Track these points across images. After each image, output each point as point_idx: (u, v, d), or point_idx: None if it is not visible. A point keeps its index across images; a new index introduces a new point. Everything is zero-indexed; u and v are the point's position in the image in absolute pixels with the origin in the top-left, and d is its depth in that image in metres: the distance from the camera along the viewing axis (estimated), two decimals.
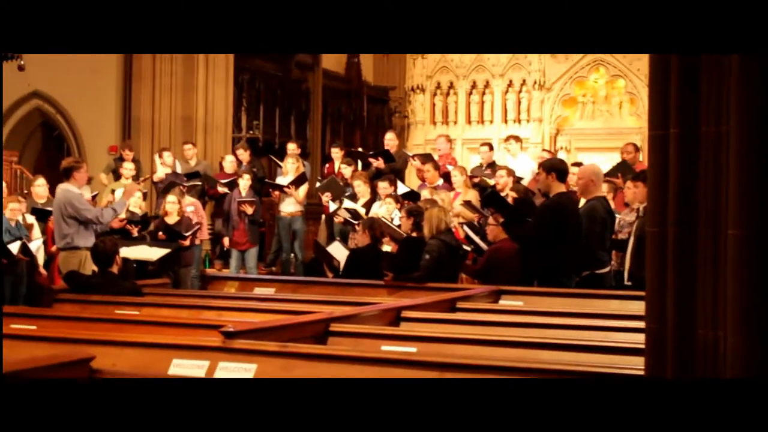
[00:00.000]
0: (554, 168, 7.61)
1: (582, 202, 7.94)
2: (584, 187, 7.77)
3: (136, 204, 10.58)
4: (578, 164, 10.67)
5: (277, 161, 12.64)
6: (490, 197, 8.49)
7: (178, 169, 12.29)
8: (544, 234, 7.31)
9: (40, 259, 10.13)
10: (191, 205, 11.01)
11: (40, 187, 10.80)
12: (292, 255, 11.75)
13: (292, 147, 12.69)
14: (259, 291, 7.62)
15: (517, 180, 10.61)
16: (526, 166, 11.75)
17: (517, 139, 12.78)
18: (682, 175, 2.71)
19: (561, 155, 14.64)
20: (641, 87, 15.79)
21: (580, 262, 7.42)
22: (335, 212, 11.03)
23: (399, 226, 8.64)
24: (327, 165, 13.34)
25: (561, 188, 7.57)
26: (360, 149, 14.05)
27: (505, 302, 6.89)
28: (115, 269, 6.88)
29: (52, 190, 10.78)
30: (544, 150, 13.75)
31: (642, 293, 3.28)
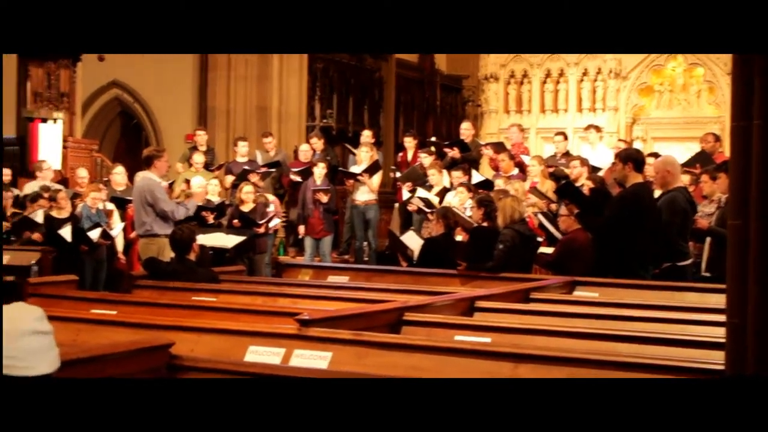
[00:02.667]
0: (630, 158, 7.50)
1: (658, 193, 7.82)
2: (661, 180, 7.64)
3: (214, 192, 10.74)
4: (654, 155, 10.51)
5: (351, 149, 12.68)
6: (564, 188, 8.40)
7: (259, 159, 12.42)
8: (620, 225, 7.21)
9: (120, 245, 10.35)
10: (271, 204, 11.13)
11: (119, 174, 11.02)
12: (366, 243, 11.79)
13: (367, 134, 12.73)
14: (333, 279, 7.66)
15: (594, 170, 10.48)
16: (603, 156, 11.59)
17: (597, 128, 12.61)
18: (766, 168, 2.65)
19: (637, 145, 14.42)
20: (720, 75, 15.47)
21: (660, 253, 7.31)
22: (409, 201, 11.04)
23: (471, 216, 8.62)
24: (400, 154, 13.35)
25: (638, 178, 7.45)
26: (434, 138, 14.03)
27: (579, 293, 6.82)
28: (192, 256, 6.98)
29: (130, 178, 11.01)
30: (620, 140, 13.55)
31: (720, 286, 3.22)
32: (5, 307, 2.44)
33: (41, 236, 9.40)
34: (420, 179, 11.34)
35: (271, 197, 11.24)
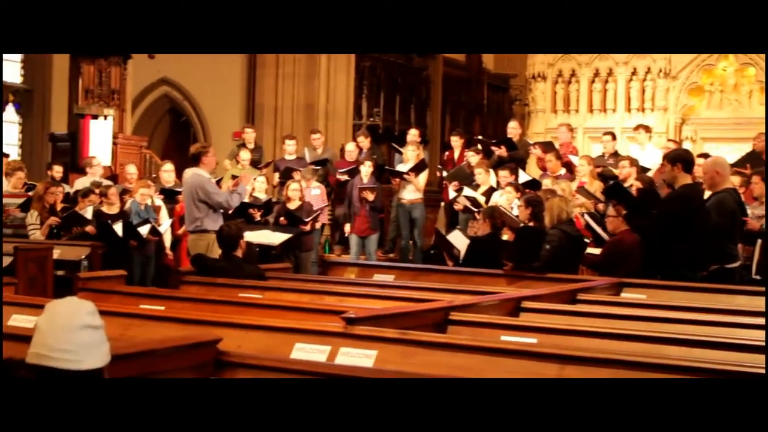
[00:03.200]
0: (679, 159, 7.42)
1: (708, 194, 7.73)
2: (710, 181, 7.56)
3: (261, 189, 10.81)
4: (704, 155, 10.39)
5: (398, 148, 12.68)
6: (612, 189, 8.34)
7: (307, 157, 12.47)
8: (668, 226, 7.14)
9: (167, 241, 10.45)
10: (317, 188, 11.20)
11: (167, 172, 11.12)
12: (411, 242, 11.78)
13: (413, 133, 12.72)
14: (379, 277, 7.67)
15: (643, 170, 10.38)
16: (652, 157, 11.48)
17: (647, 129, 12.47)
18: None
19: (686, 145, 14.27)
20: None
21: (708, 255, 7.22)
22: (455, 200, 11.02)
23: (518, 216, 8.59)
24: (446, 153, 13.33)
25: (687, 179, 7.38)
26: (480, 137, 13.99)
27: (627, 295, 6.76)
28: (239, 253, 7.03)
29: (178, 175, 11.12)
30: (669, 140, 13.41)
31: None
32: (57, 302, 2.48)
33: (94, 229, 9.52)
34: (466, 178, 11.32)
35: (316, 183, 11.30)
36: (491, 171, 11.20)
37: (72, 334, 2.39)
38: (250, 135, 12.71)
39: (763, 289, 6.39)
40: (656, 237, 7.31)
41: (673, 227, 7.11)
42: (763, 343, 4.19)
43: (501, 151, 11.69)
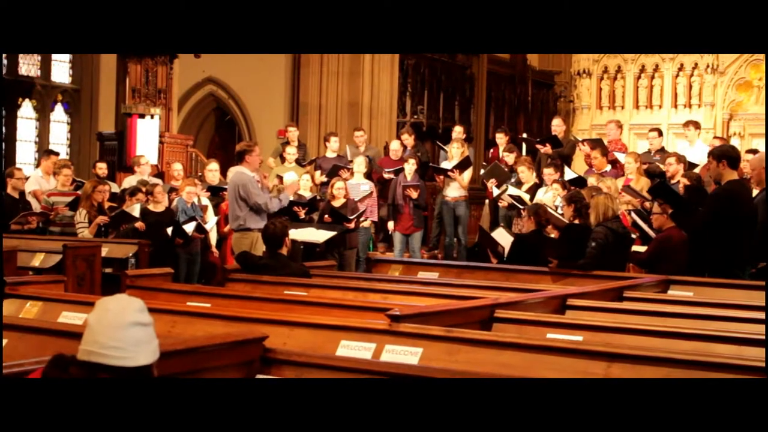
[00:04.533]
0: (725, 155, 7.33)
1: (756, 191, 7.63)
2: (758, 177, 7.47)
3: (306, 187, 10.85)
4: (753, 151, 10.25)
5: (442, 146, 12.66)
6: (658, 188, 8.25)
7: (348, 155, 12.50)
8: (715, 223, 7.05)
9: (213, 239, 10.53)
10: (366, 184, 11.22)
11: (212, 171, 11.19)
12: (455, 240, 11.76)
13: (458, 130, 12.68)
14: (423, 275, 7.67)
15: (691, 167, 10.26)
16: (701, 153, 11.34)
17: (697, 125, 12.30)
18: None
19: (734, 141, 14.10)
20: None
21: (757, 252, 7.13)
22: (499, 197, 10.98)
23: (562, 213, 8.53)
24: (491, 150, 13.28)
25: (733, 176, 7.28)
26: (525, 134, 13.93)
27: (674, 292, 6.69)
28: (284, 251, 7.06)
29: (223, 173, 11.20)
30: (715, 137, 13.24)
31: None
32: (107, 299, 2.51)
33: (143, 225, 9.64)
34: (503, 176, 11.27)
35: (363, 180, 11.31)
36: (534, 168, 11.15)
37: (122, 331, 2.41)
38: (293, 133, 12.75)
39: None
40: (703, 234, 7.23)
41: (720, 224, 7.02)
42: None
43: (546, 149, 11.63)
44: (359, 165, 11.45)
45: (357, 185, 11.17)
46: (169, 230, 9.64)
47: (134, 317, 2.45)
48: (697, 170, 10.15)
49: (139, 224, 9.64)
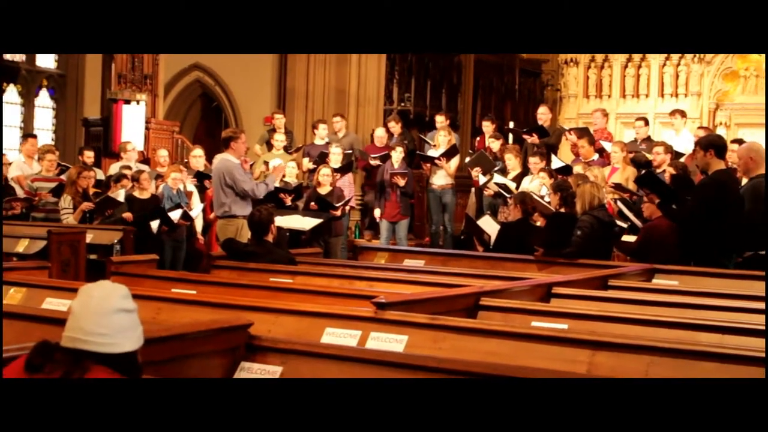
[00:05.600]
0: (712, 145, 7.35)
1: (744, 181, 7.66)
2: (744, 167, 7.50)
3: (292, 174, 10.82)
4: (739, 141, 10.28)
5: (425, 138, 12.60)
6: (644, 178, 8.27)
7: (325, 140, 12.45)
8: (702, 213, 7.08)
9: (199, 226, 10.51)
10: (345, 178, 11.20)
11: (196, 158, 11.16)
12: (442, 228, 11.77)
13: (440, 119, 12.64)
14: (409, 263, 7.67)
15: (677, 156, 10.29)
16: (687, 143, 11.38)
17: (683, 114, 12.33)
18: None
19: (720, 131, 14.14)
20: None
21: (743, 242, 7.15)
22: (485, 185, 10.99)
23: (549, 202, 8.55)
24: (478, 138, 13.28)
25: (720, 165, 7.31)
26: (512, 123, 13.93)
27: (659, 281, 6.72)
28: (270, 238, 7.04)
29: (210, 159, 11.17)
30: (699, 127, 13.26)
31: None
32: (91, 286, 2.50)
33: (131, 216, 9.60)
34: (489, 164, 11.27)
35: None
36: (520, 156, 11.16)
37: (106, 317, 2.41)
38: (280, 120, 12.72)
39: None
40: (690, 223, 7.25)
41: (707, 213, 7.05)
42: None
43: (533, 139, 11.63)
44: (335, 154, 11.39)
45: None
46: (154, 224, 9.58)
47: (119, 304, 2.44)
48: (682, 159, 10.18)
49: (126, 215, 9.59)
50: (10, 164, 10.81)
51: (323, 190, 10.52)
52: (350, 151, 11.99)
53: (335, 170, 10.98)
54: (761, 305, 5.26)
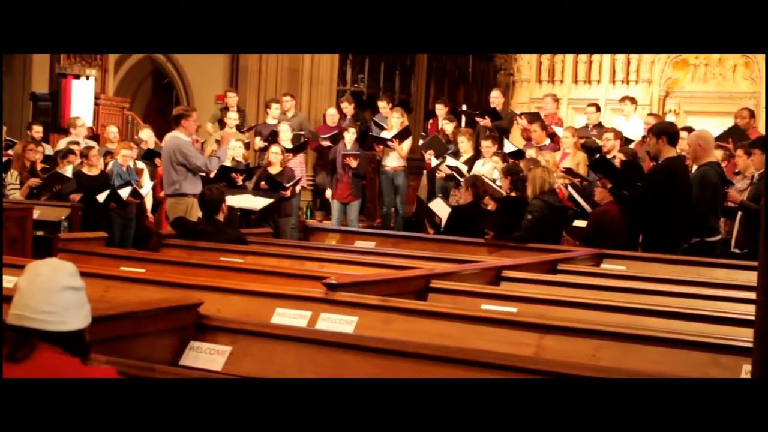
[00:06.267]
0: (664, 132, 7.44)
1: (694, 168, 7.77)
2: (693, 154, 7.61)
3: (239, 154, 10.75)
4: (688, 128, 10.41)
5: (378, 121, 12.56)
6: (598, 163, 8.35)
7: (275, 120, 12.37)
8: (653, 199, 7.17)
9: (149, 204, 10.41)
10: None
11: (145, 137, 11.03)
12: (393, 209, 11.79)
13: (382, 104, 12.55)
14: (360, 244, 7.68)
15: (627, 142, 10.40)
16: (637, 129, 11.50)
17: (633, 100, 12.47)
18: None
19: (669, 118, 14.29)
20: None
21: (690, 228, 7.26)
22: (437, 168, 11.01)
23: (500, 186, 8.60)
24: (431, 121, 13.29)
25: (671, 152, 7.40)
26: (464, 106, 13.95)
27: (607, 266, 6.80)
28: (221, 217, 7.00)
29: (159, 137, 11.06)
30: (650, 114, 13.40)
31: (750, 263, 3.18)
32: (38, 263, 2.46)
33: (77, 197, 9.46)
34: (441, 147, 11.29)
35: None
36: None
37: (54, 295, 2.38)
38: (232, 99, 12.62)
39: (741, 262, 6.45)
40: (641, 209, 7.34)
41: (658, 200, 7.14)
42: (743, 316, 4.22)
43: (485, 122, 11.67)
44: (285, 132, 11.35)
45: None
46: (101, 196, 9.47)
47: (66, 281, 2.42)
48: (633, 146, 10.29)
49: (73, 196, 9.46)
50: None
51: (274, 170, 10.47)
52: (302, 132, 11.95)
53: (287, 150, 10.94)
54: (707, 291, 5.36)
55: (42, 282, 2.40)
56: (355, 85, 15.35)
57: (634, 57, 16.44)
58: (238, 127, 12.09)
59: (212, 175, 9.40)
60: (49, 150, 11.05)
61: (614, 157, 9.21)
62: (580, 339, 3.82)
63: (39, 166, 9.92)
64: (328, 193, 11.62)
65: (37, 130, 11.44)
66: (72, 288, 2.42)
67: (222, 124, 12.23)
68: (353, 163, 11.21)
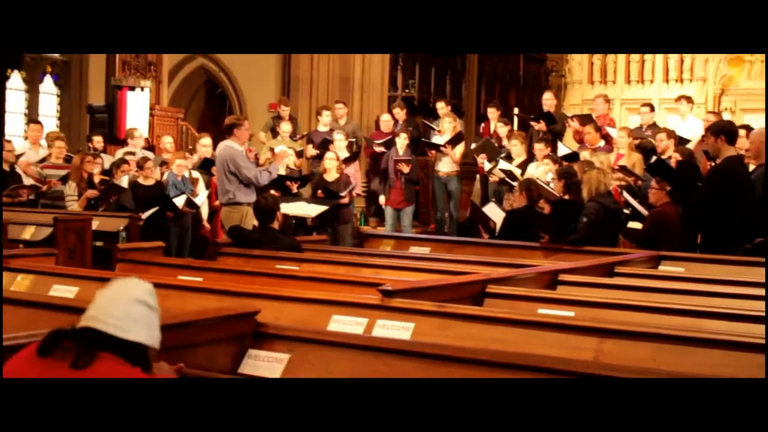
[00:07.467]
0: (723, 131, 7.32)
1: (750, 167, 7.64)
2: (756, 152, 7.46)
3: (292, 162, 10.80)
4: (745, 127, 10.25)
5: (429, 124, 12.58)
6: (655, 166, 8.24)
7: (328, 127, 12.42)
8: (715, 200, 7.05)
9: (204, 212, 10.50)
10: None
11: (205, 147, 11.12)
12: (447, 215, 11.76)
13: (440, 105, 12.60)
14: (415, 250, 7.67)
15: (683, 142, 10.26)
16: (693, 128, 11.33)
17: (689, 99, 12.28)
18: None
19: (725, 116, 14.09)
20: None
21: (753, 228, 7.13)
22: (490, 172, 10.97)
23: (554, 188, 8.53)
24: (482, 125, 13.25)
25: (731, 151, 7.28)
26: (516, 109, 13.90)
27: (665, 268, 6.71)
28: (276, 225, 7.05)
29: (214, 147, 11.14)
30: (708, 112, 13.22)
31: None
32: (121, 278, 2.56)
33: (132, 202, 9.60)
34: (494, 151, 11.25)
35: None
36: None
37: (125, 304, 2.46)
38: (285, 111, 12.66)
39: None
40: (701, 210, 7.22)
41: (718, 200, 7.02)
42: None
43: (540, 126, 11.59)
44: (339, 141, 11.37)
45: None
46: (147, 213, 9.57)
47: (141, 296, 2.50)
48: (690, 146, 10.15)
49: (128, 202, 9.59)
50: (18, 154, 10.75)
51: (330, 177, 10.50)
52: (353, 139, 11.98)
53: (344, 160, 10.97)
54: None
55: (117, 290, 2.49)
56: (406, 91, 15.37)
57: (687, 55, 16.24)
58: (291, 136, 12.16)
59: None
60: (107, 161, 11.21)
61: (669, 157, 9.10)
62: (640, 342, 3.77)
63: (97, 178, 10.06)
64: (382, 199, 11.63)
65: (98, 141, 11.62)
66: (145, 304, 2.50)
67: (275, 133, 12.31)
68: (405, 169, 11.21)
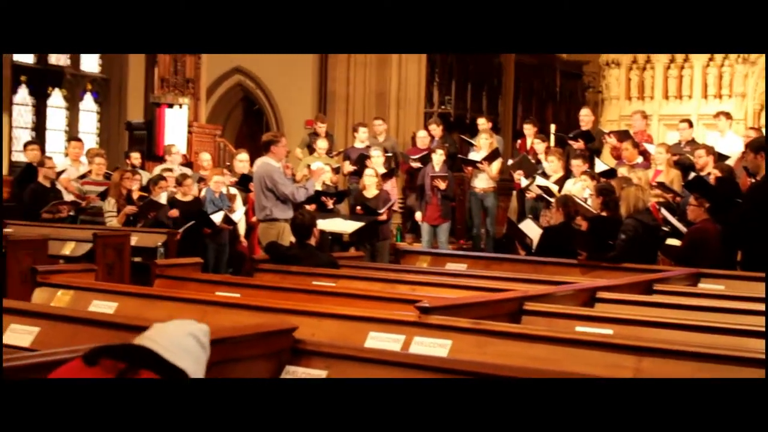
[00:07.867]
0: (763, 147, 7.24)
1: None
2: None
3: (328, 178, 10.84)
4: None
5: (468, 139, 12.59)
6: (694, 182, 8.17)
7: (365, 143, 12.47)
8: (756, 216, 6.97)
9: (242, 229, 10.56)
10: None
11: (242, 162, 11.20)
12: (483, 231, 11.74)
13: (482, 122, 12.63)
14: (452, 266, 7.65)
15: (723, 158, 10.16)
16: (733, 145, 11.22)
17: (728, 115, 12.17)
18: None
19: (766, 133, 13.94)
20: None
21: None
22: (527, 188, 10.94)
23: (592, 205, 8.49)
24: (519, 141, 13.23)
25: None
26: (553, 126, 13.85)
27: (704, 285, 6.64)
28: (312, 241, 7.07)
29: (252, 163, 11.22)
30: (750, 128, 13.09)
31: None
32: (178, 320, 2.59)
33: (177, 212, 9.70)
34: (531, 167, 11.22)
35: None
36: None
37: (180, 336, 2.50)
38: (321, 129, 12.71)
39: None
40: (741, 227, 7.14)
41: (759, 217, 6.94)
42: None
43: (579, 145, 11.54)
44: (377, 158, 11.39)
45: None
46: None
47: (195, 331, 2.53)
48: (729, 162, 10.05)
49: (172, 211, 9.70)
50: (59, 171, 10.89)
51: (369, 194, 10.52)
52: (390, 155, 12.00)
53: (381, 176, 11.00)
54: None
55: (175, 323, 2.55)
56: (442, 107, 15.38)
57: (726, 70, 16.11)
58: (327, 152, 12.21)
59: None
60: (146, 178, 11.32)
61: (708, 173, 9.02)
62: (679, 361, 3.73)
63: (136, 194, 10.16)
64: (418, 215, 11.63)
65: (136, 157, 11.74)
66: (197, 339, 2.53)
67: (311, 150, 12.36)
68: (442, 185, 11.21)
